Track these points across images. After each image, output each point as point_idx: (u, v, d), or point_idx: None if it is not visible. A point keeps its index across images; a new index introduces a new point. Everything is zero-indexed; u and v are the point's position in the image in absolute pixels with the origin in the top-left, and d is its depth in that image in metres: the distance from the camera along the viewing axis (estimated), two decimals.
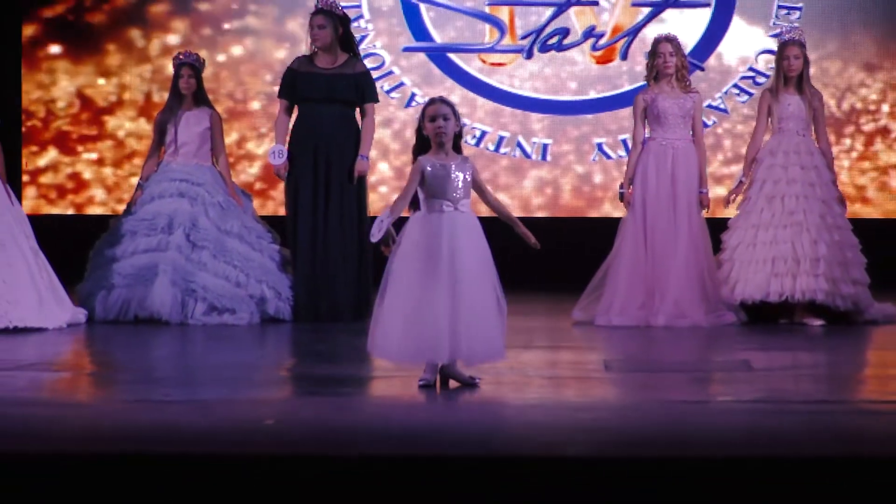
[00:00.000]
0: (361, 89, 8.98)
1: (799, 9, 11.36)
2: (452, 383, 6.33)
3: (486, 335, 6.26)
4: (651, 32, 10.80)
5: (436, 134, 6.30)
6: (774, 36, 10.99)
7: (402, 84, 11.50)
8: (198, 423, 5.55)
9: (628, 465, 4.88)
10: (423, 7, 11.43)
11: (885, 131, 11.55)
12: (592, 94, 11.46)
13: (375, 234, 6.23)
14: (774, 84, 9.03)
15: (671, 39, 9.01)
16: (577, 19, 11.40)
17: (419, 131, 6.37)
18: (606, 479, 4.80)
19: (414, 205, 6.34)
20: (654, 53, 9.03)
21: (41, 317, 8.39)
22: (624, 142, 11.23)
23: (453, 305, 6.18)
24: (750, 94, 11.35)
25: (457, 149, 6.39)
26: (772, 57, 9.62)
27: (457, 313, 6.17)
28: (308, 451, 5.06)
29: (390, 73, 11.49)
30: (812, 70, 9.26)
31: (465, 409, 6.03)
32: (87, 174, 11.63)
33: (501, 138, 11.52)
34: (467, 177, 6.32)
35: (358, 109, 9.03)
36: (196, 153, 9.13)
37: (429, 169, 6.28)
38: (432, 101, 6.39)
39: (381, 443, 5.20)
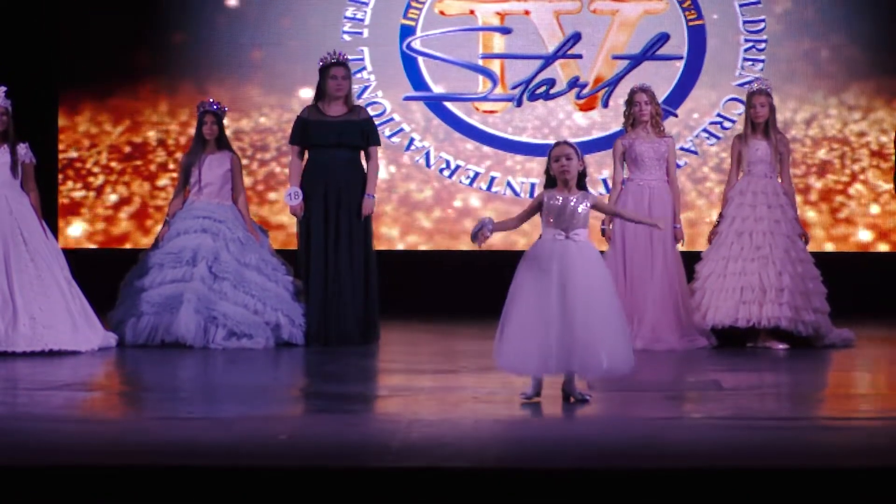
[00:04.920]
0: (367, 135, 9.02)
1: (762, 61, 11.30)
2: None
3: (600, 350, 6.25)
4: (629, 82, 10.73)
5: (560, 172, 6.35)
6: (740, 85, 11.00)
7: (401, 130, 11.44)
8: (218, 437, 5.56)
9: (610, 475, 4.88)
10: (420, 59, 11.41)
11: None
12: (573, 139, 11.37)
13: (475, 232, 6.24)
14: (744, 131, 9.07)
15: (646, 89, 9.05)
16: (562, 71, 11.38)
17: (547, 171, 6.41)
18: (591, 488, 4.80)
19: None
20: (630, 102, 9.06)
21: (75, 341, 8.41)
22: (604, 181, 11.14)
23: (563, 323, 6.19)
24: (718, 138, 11.28)
25: (581, 185, 6.42)
26: (736, 103, 9.62)
27: (567, 330, 6.19)
28: (319, 463, 5.06)
29: (391, 119, 11.43)
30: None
31: (461, 425, 6.01)
32: (118, 212, 11.59)
33: (493, 178, 11.43)
34: (585, 209, 6.34)
35: (363, 152, 9.07)
36: (218, 193, 9.15)
37: (546, 199, 6.33)
38: (557, 144, 6.45)
39: (385, 456, 5.20)
